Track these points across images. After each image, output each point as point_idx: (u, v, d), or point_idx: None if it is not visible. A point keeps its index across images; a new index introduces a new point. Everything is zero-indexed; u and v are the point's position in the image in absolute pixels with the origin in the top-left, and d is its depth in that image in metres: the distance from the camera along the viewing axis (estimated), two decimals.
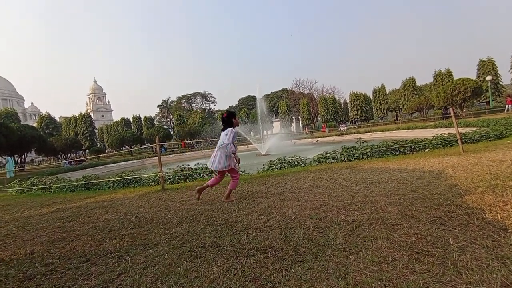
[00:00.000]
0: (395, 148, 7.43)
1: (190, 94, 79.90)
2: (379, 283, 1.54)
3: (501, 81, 36.12)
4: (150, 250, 2.39)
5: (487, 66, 35.44)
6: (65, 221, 3.77)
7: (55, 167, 22.02)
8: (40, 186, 8.10)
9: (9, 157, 19.87)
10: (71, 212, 4.33)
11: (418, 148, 7.45)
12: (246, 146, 25.86)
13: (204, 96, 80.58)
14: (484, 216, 2.33)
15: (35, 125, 46.64)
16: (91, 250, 2.54)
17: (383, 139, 14.16)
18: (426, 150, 7.37)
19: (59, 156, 35.30)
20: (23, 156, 26.20)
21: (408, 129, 19.74)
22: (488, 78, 30.37)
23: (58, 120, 55.47)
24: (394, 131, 20.48)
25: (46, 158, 39.75)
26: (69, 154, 36.78)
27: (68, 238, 2.98)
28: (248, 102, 74.46)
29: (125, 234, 2.93)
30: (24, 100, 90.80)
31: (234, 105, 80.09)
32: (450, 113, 7.27)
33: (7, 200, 6.71)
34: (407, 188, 3.50)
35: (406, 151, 7.38)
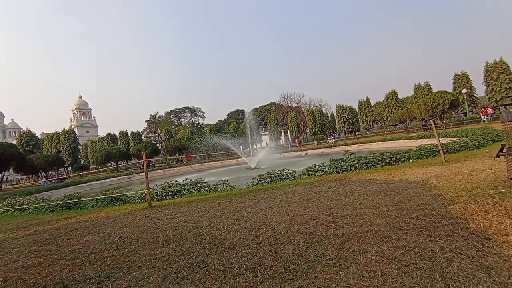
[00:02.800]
0: (382, 159, 7.60)
1: (178, 109, 79.66)
2: None
3: (475, 94, 38.42)
4: (134, 273, 2.27)
5: (462, 80, 37.75)
6: (42, 245, 3.54)
7: (35, 186, 20.96)
8: (17, 207, 7.64)
9: None
10: (49, 234, 4.09)
11: (403, 159, 7.66)
12: (236, 160, 25.74)
13: (192, 111, 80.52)
14: (468, 226, 2.38)
15: (14, 142, 44.71)
16: (69, 275, 2.38)
17: (370, 150, 14.50)
18: (411, 160, 7.59)
19: (39, 174, 33.71)
20: (0, 174, 24.83)
21: (393, 140, 20.37)
22: (464, 91, 32.24)
23: (39, 136, 53.44)
24: (380, 142, 21.04)
25: (25, 176, 37.85)
26: (50, 172, 35.20)
27: (45, 263, 2.79)
28: (237, 116, 74.99)
29: (107, 256, 2.78)
30: (4, 116, 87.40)
31: (223, 119, 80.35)
32: (430, 125, 7.58)
33: None
34: (394, 199, 3.55)
35: (392, 162, 7.56)
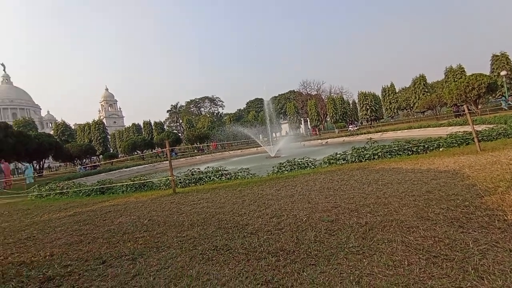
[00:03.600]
0: (408, 147, 7.25)
1: (198, 99, 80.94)
2: (395, 287, 1.50)
3: None
4: (163, 253, 2.43)
5: (501, 61, 34.15)
6: (81, 224, 3.88)
7: (72, 173, 22.72)
8: (58, 191, 8.37)
9: (28, 164, 20.67)
10: (87, 216, 4.46)
11: (432, 148, 7.24)
12: (256, 148, 25.88)
13: (212, 100, 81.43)
14: (505, 218, 2.23)
15: (51, 132, 48.38)
16: (106, 252, 2.60)
17: (394, 138, 13.85)
18: (441, 149, 7.15)
19: (75, 161, 36.43)
20: (41, 162, 27.20)
21: (421, 128, 19.23)
22: (503, 73, 29.19)
23: (73, 127, 57.31)
24: (405, 131, 19.98)
25: (62, 164, 41.09)
26: (84, 160, 37.89)
27: (85, 241, 3.06)
28: (256, 105, 74.69)
29: (138, 236, 2.98)
30: (40, 109, 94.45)
31: (242, 108, 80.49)
32: (463, 111, 7.04)
33: (27, 205, 6.97)
34: (422, 189, 3.41)
35: (419, 150, 7.18)
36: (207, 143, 38.95)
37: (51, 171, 36.31)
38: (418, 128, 19.53)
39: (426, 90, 40.69)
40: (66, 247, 2.94)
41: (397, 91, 47.46)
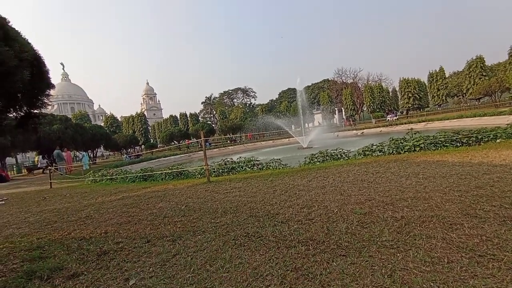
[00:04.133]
0: (456, 139, 6.56)
1: (231, 90, 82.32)
2: (432, 284, 1.44)
3: None
4: (199, 236, 2.62)
5: None
6: (129, 207, 4.34)
7: (119, 161, 25.14)
8: (108, 177, 9.39)
9: (84, 152, 23.43)
10: (133, 200, 4.95)
11: (486, 139, 6.45)
12: (287, 139, 25.70)
13: (244, 91, 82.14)
14: None
15: (102, 124, 53.76)
16: (150, 233, 2.90)
17: (440, 129, 12.56)
18: (498, 140, 6.33)
19: (122, 151, 40.19)
20: (94, 151, 30.60)
21: (474, 116, 17.12)
22: None
23: (119, 119, 62.92)
24: (455, 120, 18.01)
25: (111, 153, 45.62)
26: (129, 149, 41.54)
27: (132, 222, 3.43)
28: (289, 95, 73.45)
29: (177, 221, 3.25)
30: (93, 103, 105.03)
31: (274, 99, 79.88)
32: None
33: (85, 188, 7.98)
34: (471, 184, 3.10)
35: (470, 142, 6.45)
36: (240, 134, 39.70)
37: (103, 159, 40.59)
38: (471, 117, 17.44)
39: (484, 73, 35.78)
40: (117, 226, 3.33)
41: (447, 76, 42.58)
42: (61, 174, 13.79)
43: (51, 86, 3.51)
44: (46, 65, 3.50)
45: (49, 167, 11.96)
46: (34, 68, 3.11)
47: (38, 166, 19.70)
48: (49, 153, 19.55)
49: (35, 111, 3.55)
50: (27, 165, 24.95)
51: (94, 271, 2.12)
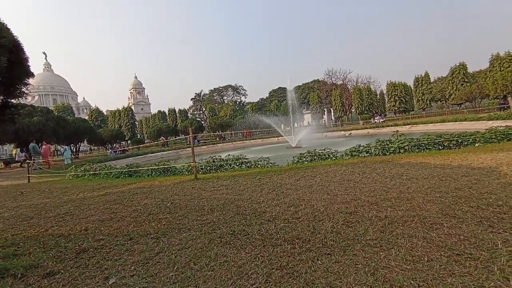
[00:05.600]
0: (439, 142, 6.81)
1: (221, 87, 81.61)
2: (412, 282, 1.47)
3: None
4: (184, 234, 2.57)
5: None
6: (112, 204, 4.20)
7: (103, 156, 24.39)
8: (92, 172, 9.08)
9: (67, 146, 22.56)
10: (117, 196, 4.81)
11: (466, 143, 6.73)
12: (276, 138, 25.80)
13: (235, 89, 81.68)
14: None
15: (86, 117, 51.94)
16: (133, 230, 2.82)
17: (424, 132, 13.01)
18: (477, 144, 6.62)
19: (106, 145, 39.00)
20: (77, 145, 29.50)
21: (456, 121, 17.84)
22: None
23: (105, 113, 60.97)
24: (438, 124, 18.68)
25: (95, 147, 44.18)
26: (114, 144, 40.37)
27: (115, 219, 3.33)
28: (279, 94, 73.68)
29: (162, 218, 3.18)
30: (77, 95, 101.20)
31: (264, 97, 79.94)
32: (507, 103, 6.41)
33: (66, 183, 7.67)
34: (451, 186, 3.22)
35: (451, 145, 6.72)
36: (230, 132, 39.45)
37: (86, 153, 39.27)
38: (453, 121, 18.15)
39: (466, 80, 37.29)
40: (98, 223, 3.22)
41: (432, 81, 44.08)
42: (38, 169, 13.16)
43: (30, 74, 3.33)
44: (26, 52, 3.32)
45: (28, 161, 11.42)
46: (12, 55, 2.94)
47: (16, 159, 18.80)
48: (28, 146, 18.68)
49: (13, 100, 3.36)
50: (4, 158, 23.75)
51: (72, 270, 2.03)
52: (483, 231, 1.98)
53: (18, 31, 3.37)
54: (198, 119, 61.31)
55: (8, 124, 3.75)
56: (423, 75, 43.26)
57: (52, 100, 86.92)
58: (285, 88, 67.40)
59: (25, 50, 3.21)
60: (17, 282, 1.91)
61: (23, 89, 3.24)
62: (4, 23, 3.05)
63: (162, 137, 40.84)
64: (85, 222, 3.30)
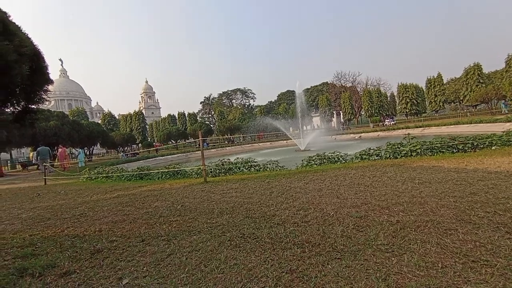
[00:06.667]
0: (452, 145, 6.62)
1: (230, 91, 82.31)
2: None
3: None
4: (194, 237, 2.61)
5: None
6: (124, 206, 4.30)
7: (115, 159, 24.98)
8: (104, 175, 9.32)
9: (81, 149, 23.27)
10: (129, 198, 4.92)
11: (482, 146, 6.52)
12: (285, 141, 25.72)
13: (243, 92, 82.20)
14: None
15: (99, 122, 53.45)
16: (145, 232, 2.88)
17: (437, 134, 12.67)
18: (493, 147, 6.40)
19: (118, 149, 39.94)
20: (91, 148, 30.37)
21: (471, 123, 17.28)
22: None
23: (117, 117, 62.54)
24: (452, 126, 18.16)
25: (107, 150, 45.32)
26: (126, 148, 41.31)
27: (127, 220, 3.41)
28: (287, 97, 73.66)
29: (172, 220, 3.23)
30: (91, 100, 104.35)
31: (273, 100, 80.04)
32: None
33: (80, 186, 7.90)
34: (466, 190, 3.13)
35: (466, 148, 6.52)
36: (239, 135, 39.62)
37: (99, 156, 40.30)
38: (467, 123, 17.59)
39: (481, 81, 36.20)
40: (111, 224, 3.31)
41: (444, 82, 43.02)
42: (52, 172, 13.47)
43: (50, 81, 3.49)
44: (45, 60, 3.48)
45: (44, 164, 11.84)
46: (33, 63, 3.09)
47: (33, 162, 19.51)
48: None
49: (33, 106, 3.52)
50: (22, 161, 24.71)
51: (87, 270, 2.10)
52: (500, 237, 1.92)
53: (37, 39, 3.55)
54: (207, 122, 61.96)
55: (27, 128, 3.92)
56: (435, 76, 42.31)
57: (67, 105, 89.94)
58: (293, 91, 67.28)
59: (45, 58, 3.38)
60: (35, 281, 1.99)
61: (43, 95, 3.39)
62: (25, 33, 3.22)
63: (155, 143, 41.46)
64: (99, 224, 3.39)
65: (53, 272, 2.10)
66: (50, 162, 13.78)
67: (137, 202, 4.52)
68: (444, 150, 6.53)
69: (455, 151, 6.53)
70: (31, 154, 22.90)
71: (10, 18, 2.94)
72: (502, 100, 29.14)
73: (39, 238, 3.00)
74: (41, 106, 4.25)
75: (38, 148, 15.60)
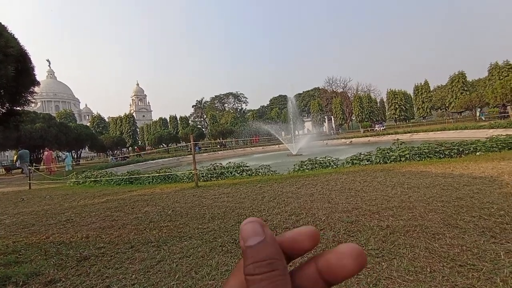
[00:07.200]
0: (439, 150, 6.81)
1: (222, 95, 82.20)
2: None
3: None
4: (185, 242, 2.57)
5: None
6: (113, 211, 4.20)
7: (104, 163, 24.40)
8: (93, 179, 9.09)
9: (68, 153, 22.60)
10: (118, 203, 4.81)
11: (467, 151, 6.74)
12: (277, 146, 25.82)
13: (236, 96, 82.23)
14: None
15: (88, 124, 52.24)
16: (134, 238, 2.81)
17: (425, 140, 13.02)
18: (478, 153, 6.63)
19: (108, 152, 39.06)
20: (79, 151, 29.56)
21: (456, 129, 17.87)
22: None
23: (106, 120, 61.31)
24: (439, 132, 18.72)
25: (96, 154, 44.23)
26: (116, 151, 40.45)
27: (116, 226, 3.32)
28: (279, 102, 74.17)
29: (163, 226, 3.17)
30: (79, 102, 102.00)
31: (265, 105, 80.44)
32: (507, 112, 6.46)
33: (66, 190, 7.67)
34: (452, 195, 3.21)
35: (452, 154, 6.72)
36: (231, 139, 39.49)
37: (87, 160, 39.26)
38: (453, 129, 18.19)
39: (465, 88, 37.59)
40: (99, 230, 3.22)
41: (431, 89, 44.41)
42: (27, 175, 13.14)
43: (36, 83, 3.40)
44: (32, 61, 3.39)
45: (29, 167, 11.45)
46: (19, 64, 3.01)
47: (17, 165, 18.83)
48: (30, 152, 18.73)
49: (18, 108, 3.42)
50: (5, 164, 23.79)
51: (73, 278, 2.03)
52: (486, 241, 1.98)
53: (24, 39, 3.46)
54: (199, 126, 61.51)
55: (12, 130, 3.80)
56: (422, 84, 43.62)
57: (54, 106, 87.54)
58: (285, 95, 67.86)
59: (31, 59, 3.29)
60: None
61: (28, 97, 3.29)
62: (12, 33, 3.13)
63: (136, 147, 41.01)
64: (86, 230, 3.29)
65: (37, 280, 2.02)
66: (35, 166, 13.32)
67: (127, 207, 4.42)
68: (431, 156, 6.71)
69: (442, 156, 6.72)
70: (15, 157, 22.11)
71: None
72: (479, 109, 32.14)
73: (23, 245, 2.88)
74: (26, 108, 4.12)
75: (19, 151, 15.22)
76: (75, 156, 28.28)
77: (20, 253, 2.63)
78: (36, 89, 3.65)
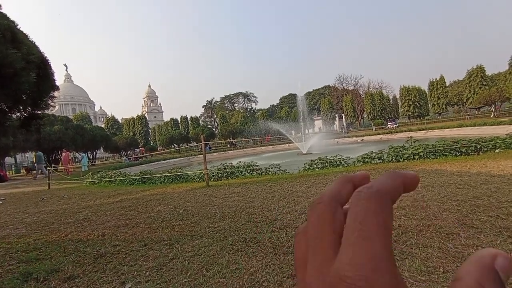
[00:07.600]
0: (455, 148, 6.58)
1: (232, 94, 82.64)
2: None
3: None
4: (197, 241, 2.62)
5: None
6: (127, 210, 4.33)
7: (118, 163, 25.10)
8: (107, 179, 9.39)
9: (84, 154, 23.42)
10: (132, 203, 4.95)
11: (485, 148, 6.47)
12: (287, 145, 25.72)
13: (246, 96, 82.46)
14: None
15: (103, 126, 53.89)
16: (148, 236, 2.90)
17: (440, 137, 12.63)
18: (497, 150, 6.35)
19: (121, 153, 40.18)
20: (94, 152, 30.58)
21: (474, 126, 17.20)
22: None
23: (120, 121, 63.05)
24: (455, 129, 18.07)
25: (110, 154, 45.56)
26: (129, 152, 41.54)
27: (130, 225, 3.43)
28: (289, 101, 73.76)
29: (175, 224, 3.25)
30: (94, 104, 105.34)
31: (275, 104, 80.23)
32: None
33: (83, 190, 7.96)
34: (468, 194, 3.11)
35: (469, 151, 6.48)
36: (241, 139, 39.67)
37: (102, 161, 40.50)
38: (471, 126, 17.52)
39: (484, 83, 36.04)
40: (114, 229, 3.33)
41: (447, 84, 42.90)
42: (43, 176, 14.00)
43: (56, 87, 3.56)
44: (52, 67, 3.55)
45: (48, 168, 11.95)
46: (40, 70, 3.16)
47: (35, 167, 19.67)
48: (49, 153, 19.56)
49: (39, 112, 3.59)
50: (26, 165, 24.94)
51: (90, 274, 2.12)
52: (503, 241, 1.91)
53: (43, 44, 3.63)
54: (209, 126, 62.14)
55: (33, 133, 3.99)
56: (438, 79, 42.19)
57: (71, 109, 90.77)
58: (295, 94, 67.38)
59: (51, 65, 3.45)
60: (40, 286, 2.01)
61: (48, 101, 3.46)
62: (33, 41, 3.29)
63: (141, 148, 41.90)
64: (102, 228, 3.41)
65: (57, 276, 2.12)
66: (54, 167, 13.89)
67: (140, 206, 4.55)
68: (447, 153, 6.49)
69: (458, 154, 6.49)
70: (34, 159, 23.13)
71: (18, 27, 3.02)
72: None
73: (43, 242, 3.03)
74: (46, 111, 4.32)
75: (37, 153, 16.26)
76: (91, 157, 29.26)
77: (41, 250, 2.77)
78: (55, 93, 3.82)
